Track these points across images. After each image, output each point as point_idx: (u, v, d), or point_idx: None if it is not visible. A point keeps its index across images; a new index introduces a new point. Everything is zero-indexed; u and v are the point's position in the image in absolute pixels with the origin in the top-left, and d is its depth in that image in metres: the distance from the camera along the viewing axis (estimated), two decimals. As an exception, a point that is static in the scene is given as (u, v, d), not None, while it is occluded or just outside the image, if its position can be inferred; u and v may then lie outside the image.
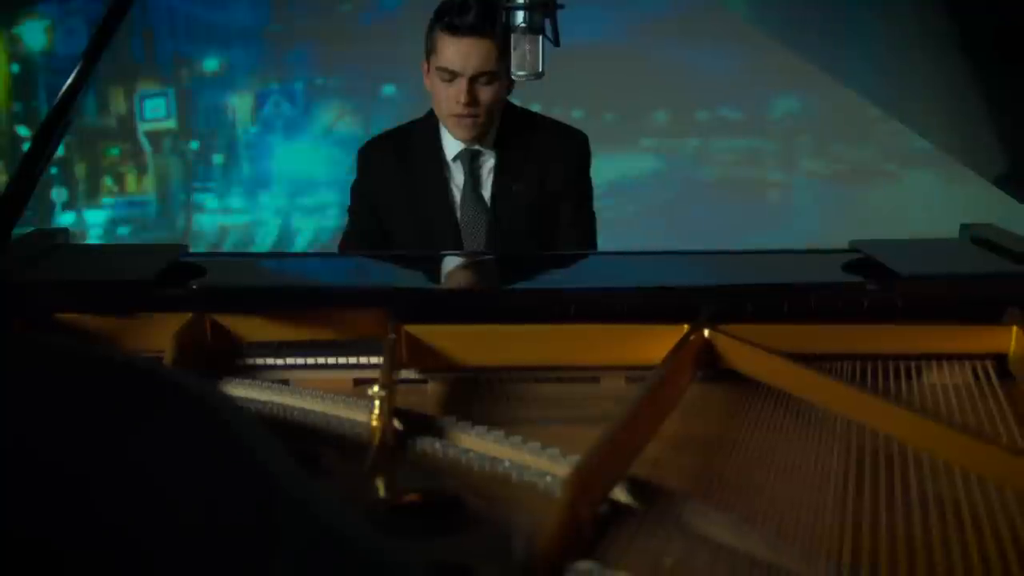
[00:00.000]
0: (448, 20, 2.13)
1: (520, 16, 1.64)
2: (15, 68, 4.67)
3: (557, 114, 2.45)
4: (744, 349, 1.32)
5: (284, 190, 4.68)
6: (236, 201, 4.71)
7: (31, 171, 1.44)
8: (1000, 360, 1.39)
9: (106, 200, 4.75)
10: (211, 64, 4.64)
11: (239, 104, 4.67)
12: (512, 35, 1.67)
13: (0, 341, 1.30)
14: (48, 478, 1.15)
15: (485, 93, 2.15)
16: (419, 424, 1.19)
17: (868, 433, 1.18)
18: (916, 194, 4.36)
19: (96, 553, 1.08)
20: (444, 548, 0.93)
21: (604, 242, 2.38)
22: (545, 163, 2.27)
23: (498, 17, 1.67)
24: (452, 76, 2.14)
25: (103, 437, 1.07)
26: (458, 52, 2.12)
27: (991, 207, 1.69)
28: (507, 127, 2.27)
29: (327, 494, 0.85)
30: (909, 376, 1.36)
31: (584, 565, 0.85)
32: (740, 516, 0.97)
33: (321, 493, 0.86)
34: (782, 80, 4.29)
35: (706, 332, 1.34)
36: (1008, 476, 1.06)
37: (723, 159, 4.57)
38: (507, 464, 1.11)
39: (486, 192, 2.26)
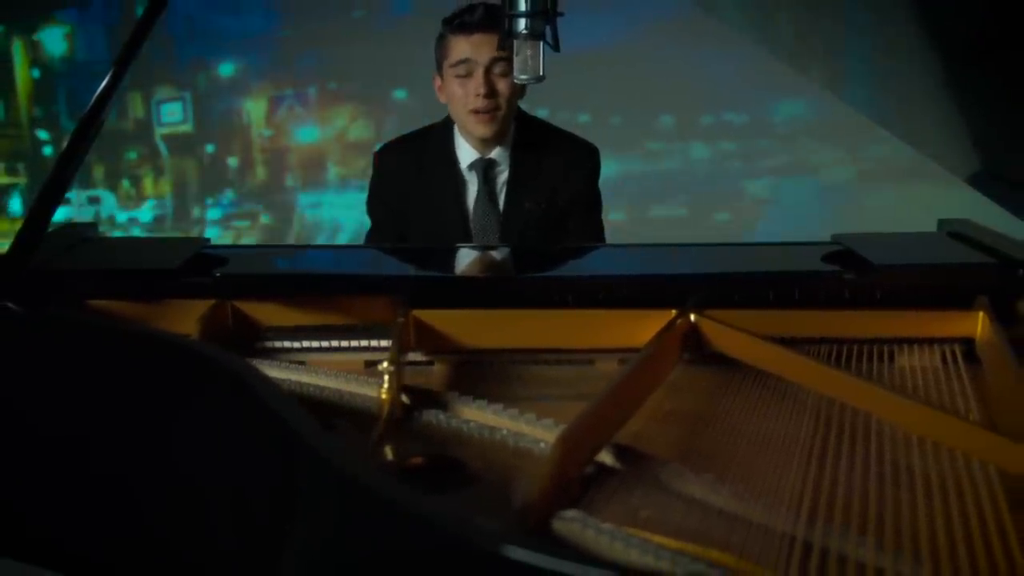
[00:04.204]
0: (459, 21, 2.23)
1: (522, 23, 1.74)
2: (35, 73, 4.79)
3: (564, 118, 2.50)
4: (727, 332, 1.41)
5: (297, 193, 4.79)
6: (250, 203, 4.83)
7: (66, 169, 1.53)
8: (969, 344, 1.48)
9: (123, 202, 4.87)
10: (226, 69, 4.75)
11: (253, 108, 4.78)
12: (514, 41, 1.77)
13: (58, 319, 1.40)
14: (93, 449, 1.27)
15: (502, 84, 2.22)
16: (425, 398, 1.30)
17: (836, 408, 1.27)
18: (919, 196, 4.42)
19: (135, 517, 1.19)
20: (445, 503, 1.03)
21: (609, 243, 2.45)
22: (557, 177, 2.33)
23: (500, 23, 1.78)
24: (468, 69, 2.22)
25: (152, 402, 1.18)
26: (471, 45, 2.21)
27: (990, 211, 1.74)
28: (521, 136, 2.34)
29: (346, 450, 0.96)
30: (882, 359, 1.45)
31: (570, 513, 0.96)
32: (713, 477, 1.06)
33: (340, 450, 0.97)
34: (787, 84, 4.36)
35: (692, 316, 1.44)
36: (964, 444, 1.16)
37: (728, 162, 4.65)
38: (504, 432, 1.21)
39: (500, 202, 2.33)
